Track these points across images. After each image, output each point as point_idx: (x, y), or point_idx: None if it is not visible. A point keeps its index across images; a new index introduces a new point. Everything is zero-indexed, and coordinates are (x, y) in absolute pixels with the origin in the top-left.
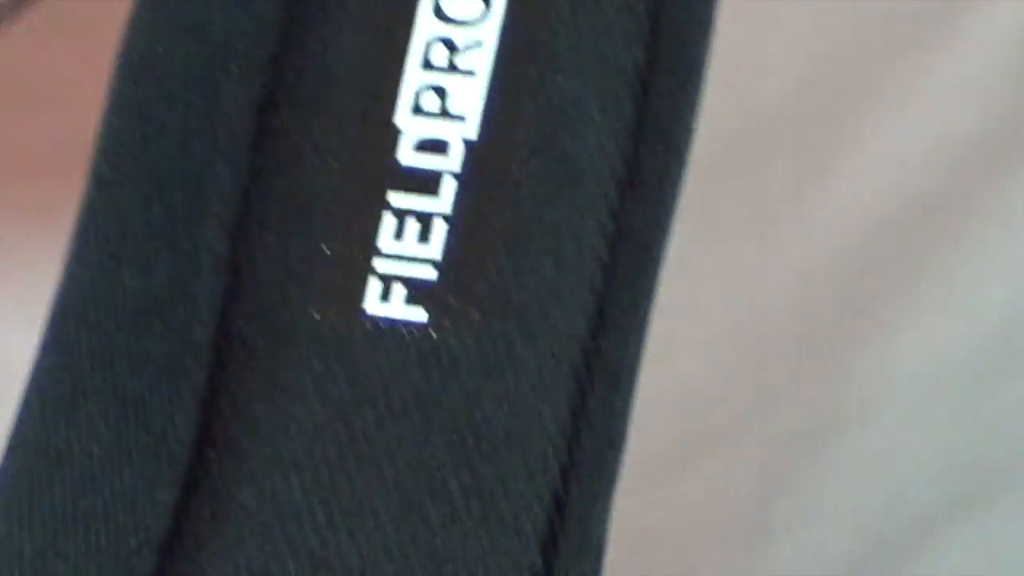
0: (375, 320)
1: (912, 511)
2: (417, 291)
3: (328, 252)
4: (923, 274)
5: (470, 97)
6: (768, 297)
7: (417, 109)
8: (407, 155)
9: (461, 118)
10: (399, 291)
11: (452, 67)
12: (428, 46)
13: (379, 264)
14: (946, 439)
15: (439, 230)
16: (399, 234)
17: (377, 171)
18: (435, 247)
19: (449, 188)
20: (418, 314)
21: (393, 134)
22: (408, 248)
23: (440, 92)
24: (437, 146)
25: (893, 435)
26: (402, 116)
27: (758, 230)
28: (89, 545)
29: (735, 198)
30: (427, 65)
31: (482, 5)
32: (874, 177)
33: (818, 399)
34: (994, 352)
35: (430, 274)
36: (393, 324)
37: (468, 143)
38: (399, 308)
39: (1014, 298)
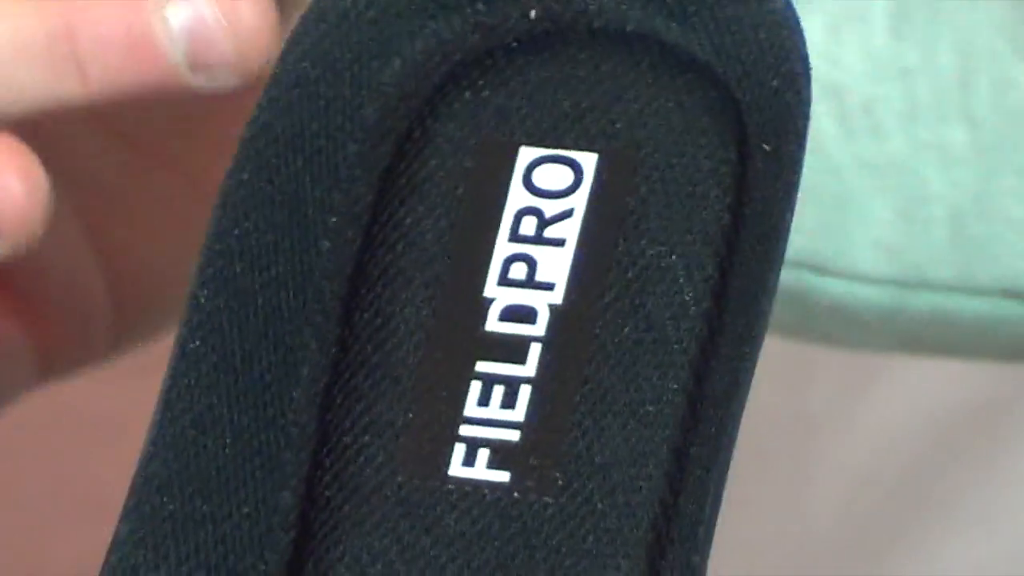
0: (458, 482)
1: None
2: (500, 453)
3: (414, 418)
4: (965, 490)
5: (558, 266)
6: (813, 505)
7: (506, 279)
8: (495, 324)
9: (549, 286)
10: (483, 455)
11: (541, 237)
12: (518, 218)
13: (465, 430)
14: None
15: (524, 395)
16: (485, 400)
17: (466, 341)
18: (519, 411)
19: (535, 353)
20: (501, 476)
21: (483, 305)
22: (493, 413)
23: (529, 262)
24: (525, 314)
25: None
26: (491, 287)
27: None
28: None
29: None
30: (516, 236)
31: (572, 175)
32: (911, 395)
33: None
34: None
35: (513, 436)
36: (476, 485)
37: (554, 308)
38: (482, 471)
39: None
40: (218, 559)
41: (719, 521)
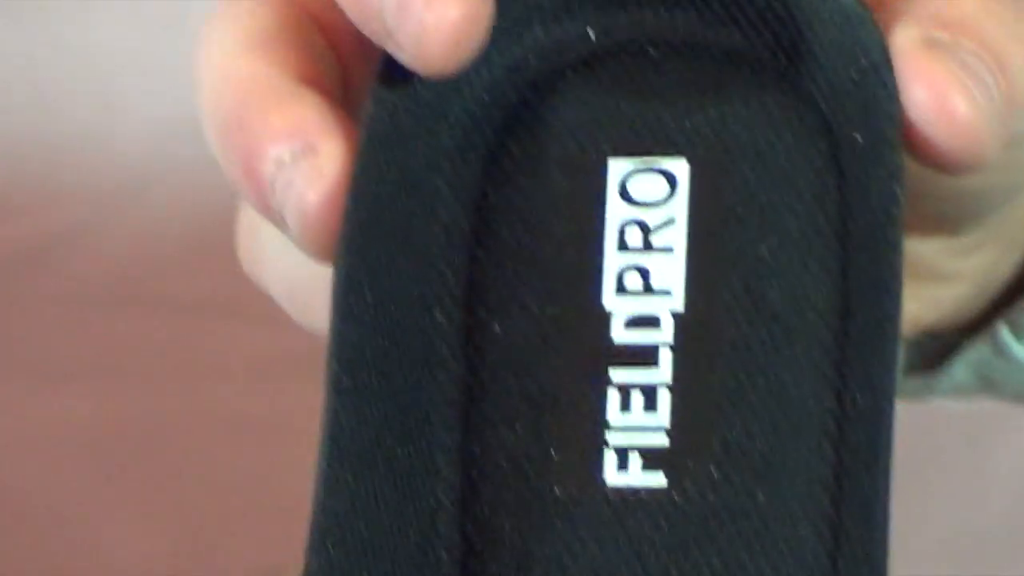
0: (616, 490)
1: None
2: (652, 458)
3: (559, 432)
4: None
5: (672, 272)
6: (987, 508)
7: (622, 289)
8: (620, 333)
9: (667, 292)
10: (635, 460)
11: (648, 246)
12: (622, 229)
13: (611, 437)
14: None
15: (664, 399)
16: (626, 406)
17: (594, 351)
18: (663, 415)
19: (666, 359)
20: (657, 479)
21: (604, 316)
22: (637, 419)
23: (642, 271)
24: (648, 321)
25: None
26: (609, 298)
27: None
28: None
29: None
30: (624, 247)
31: (666, 184)
32: None
33: None
34: None
35: (662, 441)
36: (635, 491)
37: (677, 315)
38: (637, 476)
39: None
40: None
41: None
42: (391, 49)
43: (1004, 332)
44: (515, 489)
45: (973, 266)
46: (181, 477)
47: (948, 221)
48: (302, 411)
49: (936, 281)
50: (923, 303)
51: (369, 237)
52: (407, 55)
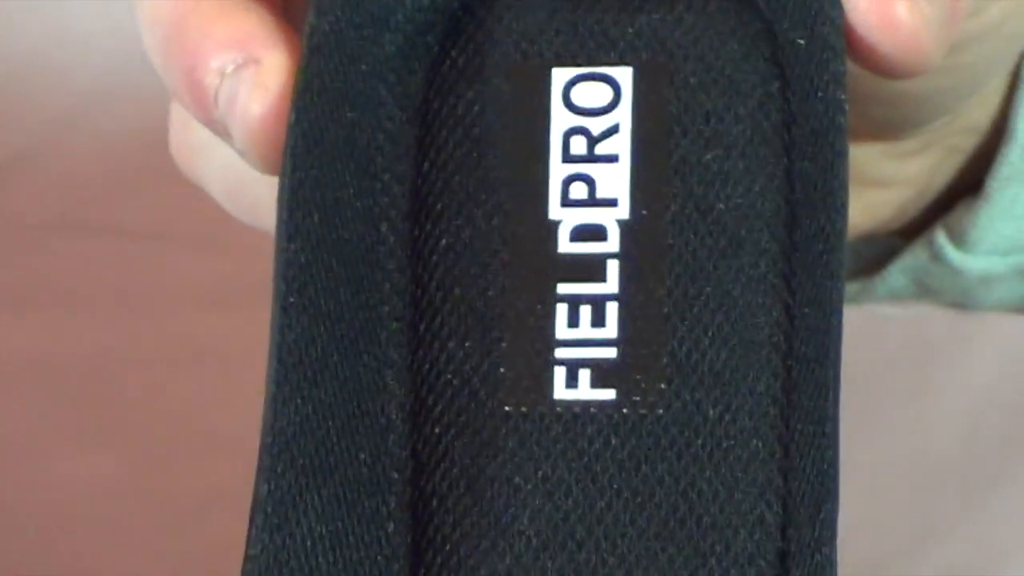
0: (566, 404)
1: None
2: (601, 372)
3: (508, 347)
4: None
5: (617, 181)
6: (934, 429)
7: (568, 200)
8: (567, 245)
9: (612, 202)
10: (584, 375)
11: (593, 155)
12: (567, 138)
13: (560, 352)
14: None
15: (612, 311)
16: (574, 321)
17: (542, 264)
18: (611, 328)
19: (613, 270)
20: (606, 394)
21: (551, 227)
22: (585, 332)
23: (587, 180)
24: (594, 232)
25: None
26: (555, 209)
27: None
28: None
29: None
30: (569, 157)
31: (611, 91)
32: None
33: (980, 534)
34: None
35: (611, 354)
36: (584, 406)
37: (622, 223)
38: (586, 391)
39: None
40: (348, 506)
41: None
42: None
43: (941, 237)
44: (465, 406)
45: (914, 171)
46: (131, 404)
47: (891, 126)
48: (252, 337)
49: (875, 186)
50: (861, 208)
51: (313, 150)
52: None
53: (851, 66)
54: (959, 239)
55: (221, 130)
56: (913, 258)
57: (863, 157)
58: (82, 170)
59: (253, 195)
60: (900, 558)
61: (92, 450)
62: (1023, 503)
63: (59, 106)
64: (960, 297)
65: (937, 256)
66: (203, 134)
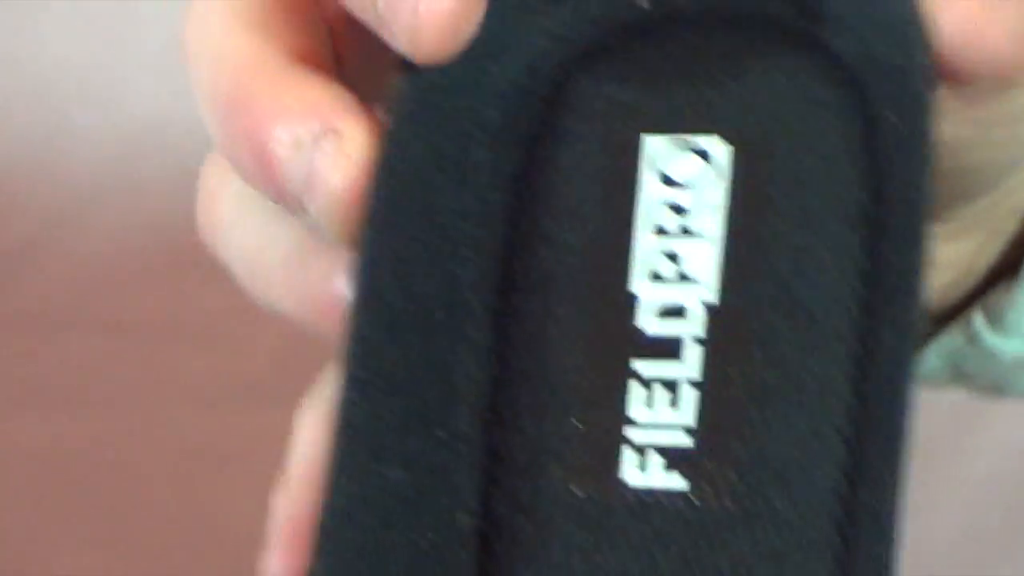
0: (635, 491)
1: None
2: (673, 458)
3: (580, 426)
4: None
5: (705, 260)
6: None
7: (652, 275)
8: (648, 322)
9: (698, 281)
10: (655, 460)
11: (683, 230)
12: (656, 211)
13: (632, 434)
14: None
15: (688, 395)
16: (649, 402)
17: (619, 340)
18: (686, 412)
19: (693, 352)
20: (677, 481)
21: (631, 302)
22: (660, 416)
23: (673, 257)
24: (677, 311)
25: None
26: (638, 283)
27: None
28: None
29: None
30: (658, 230)
31: (704, 165)
32: None
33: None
34: None
35: (685, 440)
36: (653, 493)
37: (708, 306)
38: (658, 476)
39: None
40: None
41: None
42: (385, 37)
43: (978, 320)
44: (534, 487)
45: (956, 253)
46: (130, 502)
47: (941, 202)
48: (251, 436)
49: None
50: None
51: (396, 220)
52: (401, 44)
53: None
54: (996, 321)
55: (294, 204)
56: (950, 340)
57: None
58: (83, 266)
59: (269, 277)
60: None
61: (92, 546)
62: None
63: (60, 202)
64: (995, 382)
65: (974, 339)
66: (228, 211)
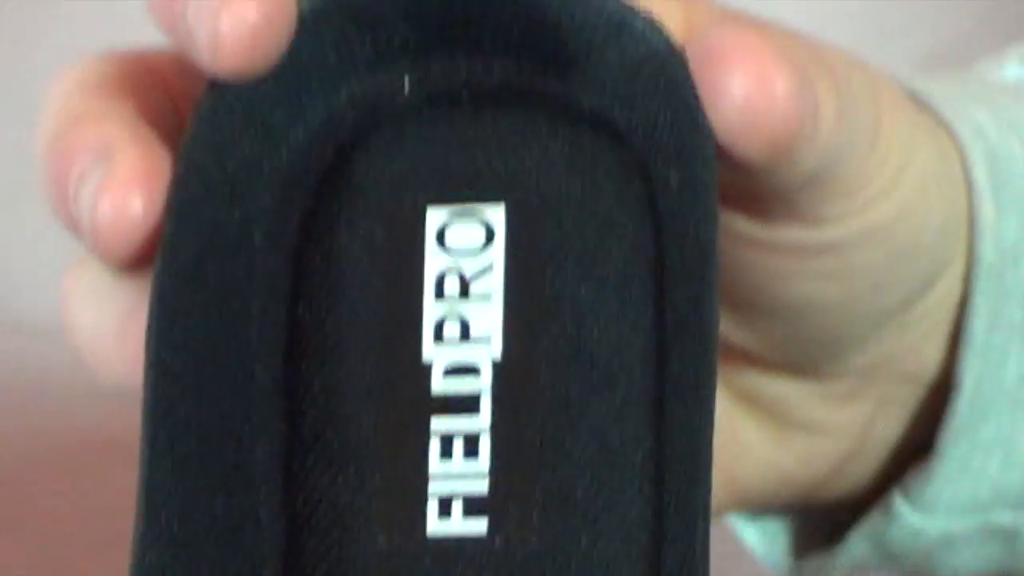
0: (438, 539)
1: None
2: (474, 504)
3: (382, 483)
4: None
5: (489, 320)
6: None
7: (441, 339)
8: (440, 383)
9: (485, 339)
10: (457, 507)
11: (466, 294)
12: (440, 279)
13: (433, 485)
14: None
15: (485, 445)
16: (447, 454)
17: (415, 401)
18: (483, 461)
19: (486, 406)
20: (479, 526)
21: (424, 366)
22: (457, 466)
23: (460, 319)
24: (467, 370)
25: None
26: (429, 348)
27: None
28: None
29: None
30: (442, 297)
31: (484, 232)
32: None
33: None
34: None
35: (483, 487)
36: (455, 540)
37: (494, 361)
38: (459, 523)
39: None
40: None
41: None
42: (193, 57)
43: (897, 499)
44: (338, 541)
45: (846, 419)
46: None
47: (810, 359)
48: None
49: (808, 432)
50: (796, 455)
51: (184, 294)
52: (205, 57)
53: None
54: (915, 500)
55: (77, 228)
56: (871, 524)
57: (793, 398)
58: None
59: (104, 348)
60: None
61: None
62: None
63: None
64: (923, 562)
65: (895, 519)
66: (77, 301)
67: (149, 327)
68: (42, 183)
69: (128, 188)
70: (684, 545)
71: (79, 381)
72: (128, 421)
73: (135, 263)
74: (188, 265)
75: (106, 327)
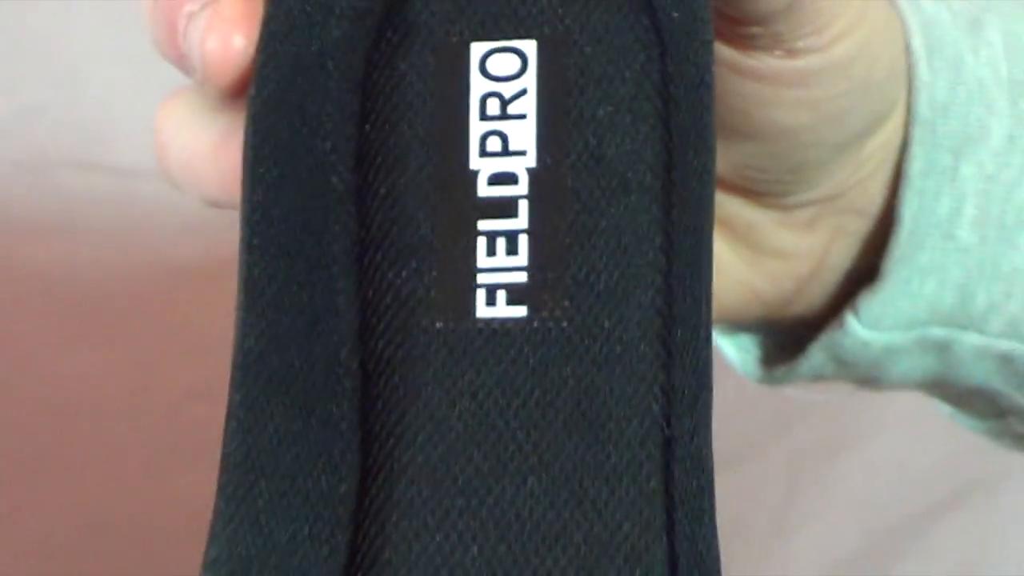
0: (486, 321)
1: (909, 507)
2: (515, 293)
3: (438, 275)
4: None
5: (526, 135)
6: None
7: (485, 152)
8: (485, 189)
9: (522, 152)
10: (501, 296)
11: (505, 114)
12: (483, 101)
13: (481, 277)
14: (933, 452)
15: (523, 243)
16: (491, 251)
17: (465, 205)
18: (522, 256)
19: (524, 208)
20: (520, 311)
21: (471, 175)
22: (501, 261)
23: (501, 135)
24: (508, 178)
25: (892, 449)
26: (475, 160)
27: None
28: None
29: None
30: (485, 116)
31: (519, 61)
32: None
33: (834, 417)
34: None
35: (523, 278)
36: (501, 322)
37: (530, 170)
38: (503, 309)
39: None
40: (307, 410)
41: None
42: (192, 76)
43: (849, 315)
44: (402, 325)
45: (807, 246)
46: (126, 319)
47: (779, 185)
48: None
49: (775, 256)
50: (764, 276)
51: (272, 115)
52: (199, 77)
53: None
54: (864, 317)
55: (187, 65)
56: (828, 338)
57: (763, 226)
58: None
59: (199, 169)
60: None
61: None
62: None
63: None
64: (870, 370)
65: (847, 333)
66: (170, 131)
67: (245, 144)
68: (150, 24)
69: (231, 26)
70: (691, 326)
71: (175, 217)
72: (216, 254)
73: (236, 91)
74: (276, 91)
75: (203, 147)
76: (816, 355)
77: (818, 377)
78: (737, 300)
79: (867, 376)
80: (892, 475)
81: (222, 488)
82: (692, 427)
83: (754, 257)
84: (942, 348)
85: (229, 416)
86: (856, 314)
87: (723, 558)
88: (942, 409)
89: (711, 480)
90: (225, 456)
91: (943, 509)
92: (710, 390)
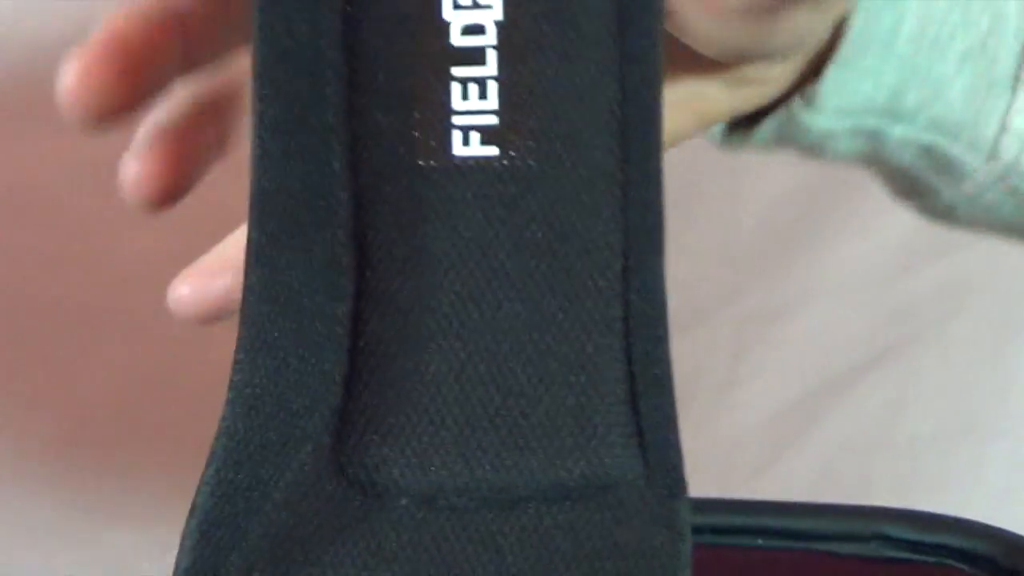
0: (463, 158)
1: (837, 366)
2: (487, 134)
3: (419, 117)
4: (850, 209)
5: None
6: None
7: (456, 5)
8: (457, 39)
9: (489, 6)
10: (475, 136)
11: None
12: None
13: (456, 119)
14: (856, 321)
15: (492, 88)
16: (465, 95)
17: (439, 53)
18: (492, 100)
19: (492, 57)
20: (492, 150)
21: (444, 26)
22: (474, 104)
23: None
24: (477, 29)
25: (822, 318)
26: (448, 11)
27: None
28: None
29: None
30: None
31: None
32: None
33: (775, 289)
34: (900, 256)
35: (494, 120)
36: (475, 159)
37: (498, 23)
38: (477, 148)
39: (913, 225)
40: (312, 240)
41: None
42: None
43: (796, 102)
44: (388, 161)
45: (779, 73)
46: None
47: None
48: None
49: (750, 85)
50: (738, 101)
51: (273, 14)
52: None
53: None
54: (809, 102)
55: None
56: (778, 116)
57: (742, 71)
58: None
59: None
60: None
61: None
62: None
63: None
64: (812, 146)
65: (794, 115)
66: None
67: (255, 36)
68: None
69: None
70: (643, 168)
71: None
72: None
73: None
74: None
75: None
76: (765, 130)
77: (766, 148)
78: (718, 116)
79: (809, 151)
80: (823, 339)
81: (243, 317)
82: (648, 260)
83: (737, 87)
84: (872, 135)
85: (248, 250)
86: (803, 100)
87: (678, 404)
88: (884, 190)
89: (665, 309)
90: (247, 289)
91: (865, 369)
92: (662, 224)
